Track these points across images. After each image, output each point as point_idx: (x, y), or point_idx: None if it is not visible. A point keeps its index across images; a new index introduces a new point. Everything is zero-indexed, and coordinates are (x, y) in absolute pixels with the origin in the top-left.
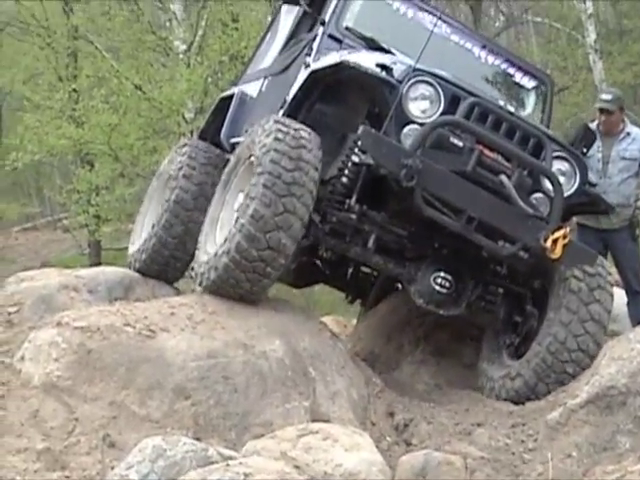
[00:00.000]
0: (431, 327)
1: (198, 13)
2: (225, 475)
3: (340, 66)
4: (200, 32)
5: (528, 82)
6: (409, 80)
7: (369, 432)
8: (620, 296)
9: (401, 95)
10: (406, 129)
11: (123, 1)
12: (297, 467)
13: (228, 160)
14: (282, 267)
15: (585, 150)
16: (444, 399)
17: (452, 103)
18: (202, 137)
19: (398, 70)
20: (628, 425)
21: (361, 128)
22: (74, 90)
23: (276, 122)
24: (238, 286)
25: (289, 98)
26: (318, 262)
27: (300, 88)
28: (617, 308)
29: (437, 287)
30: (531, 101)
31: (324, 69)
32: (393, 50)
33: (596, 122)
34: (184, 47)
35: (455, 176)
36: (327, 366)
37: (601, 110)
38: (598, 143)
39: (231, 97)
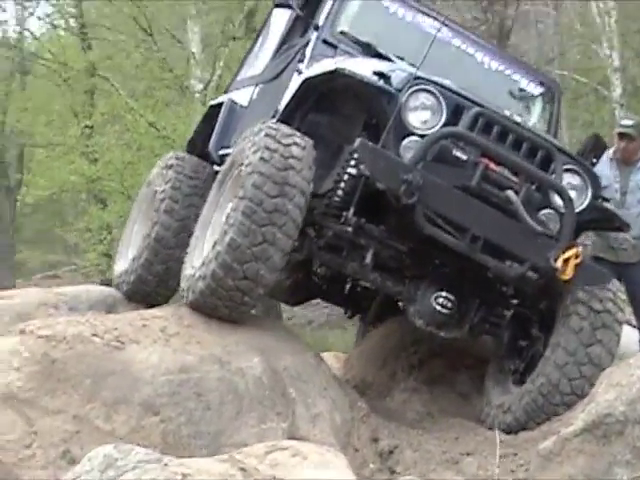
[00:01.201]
0: (426, 355)
1: (215, 53)
2: (161, 475)
3: (335, 74)
4: (218, 72)
5: (534, 88)
6: (409, 89)
7: (351, 457)
8: (629, 334)
9: (400, 105)
10: (406, 141)
11: (141, 40)
12: (243, 470)
13: (217, 173)
14: (261, 296)
15: (595, 160)
16: (434, 427)
17: (455, 113)
18: (190, 148)
19: (397, 78)
20: (626, 456)
21: (358, 140)
22: (88, 127)
23: (266, 135)
24: (216, 310)
25: (281, 107)
26: (314, 277)
27: (293, 97)
28: (625, 347)
29: (438, 307)
30: (537, 108)
31: (318, 77)
32: (391, 56)
33: (614, 149)
34: (201, 86)
35: (458, 192)
36: (309, 387)
37: (621, 135)
38: (615, 172)
39: (220, 105)
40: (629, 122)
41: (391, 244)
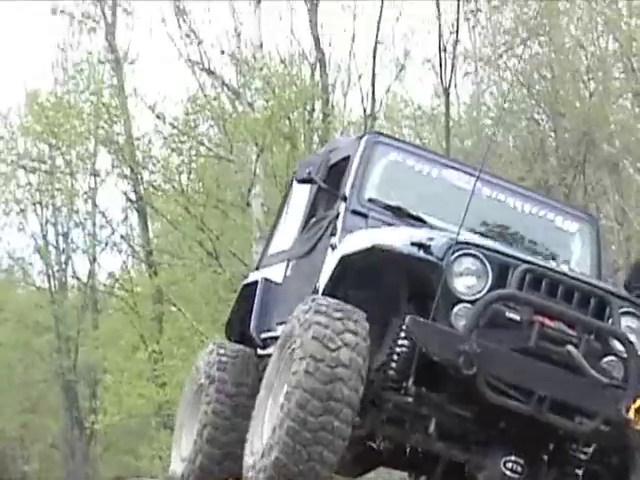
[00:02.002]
0: None
1: None
2: None
3: (373, 251)
4: None
5: (571, 225)
6: (451, 255)
7: None
8: None
9: (445, 273)
10: (455, 309)
11: (208, 265)
12: None
13: (261, 357)
14: None
15: None
16: None
17: (501, 274)
18: (229, 332)
19: (437, 246)
20: None
21: (408, 318)
22: (155, 352)
23: (314, 339)
24: None
25: (321, 285)
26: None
27: (332, 276)
28: None
29: (508, 472)
30: (577, 245)
31: (355, 254)
32: (423, 216)
33: None
34: None
35: (518, 355)
36: None
37: None
38: None
39: (254, 284)
40: None
41: (454, 411)
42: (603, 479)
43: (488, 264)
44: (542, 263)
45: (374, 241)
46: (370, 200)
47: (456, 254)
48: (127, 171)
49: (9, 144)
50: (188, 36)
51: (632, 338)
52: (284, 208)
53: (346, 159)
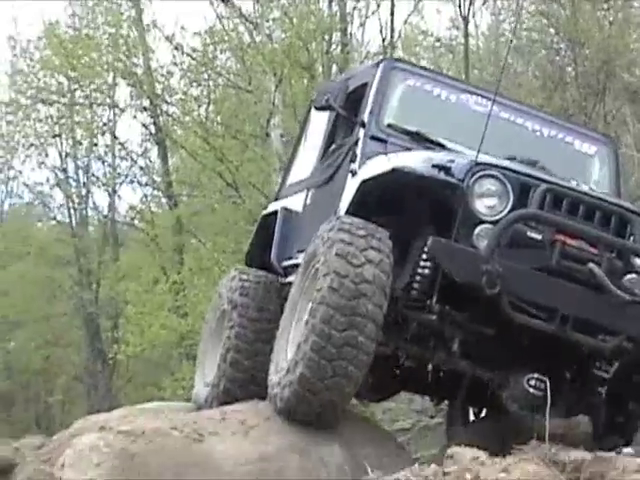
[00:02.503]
0: None
1: None
2: None
3: (394, 174)
4: None
5: (589, 148)
6: (472, 177)
7: None
8: None
9: (466, 195)
10: (477, 230)
11: (228, 197)
12: None
13: (282, 285)
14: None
15: None
16: None
17: (521, 193)
18: (250, 261)
19: (457, 168)
20: None
21: (430, 239)
22: (176, 282)
23: (338, 255)
24: (307, 414)
25: (342, 212)
26: (397, 371)
27: (352, 201)
28: None
29: (532, 390)
30: (596, 167)
31: (376, 178)
32: (442, 140)
33: None
34: None
35: (540, 274)
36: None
37: None
38: None
39: (274, 214)
40: None
41: (477, 330)
42: (626, 397)
43: (509, 184)
44: (563, 183)
45: (394, 164)
46: (389, 125)
47: (476, 175)
48: (146, 103)
49: (29, 77)
50: None
51: None
52: (302, 136)
53: (364, 85)
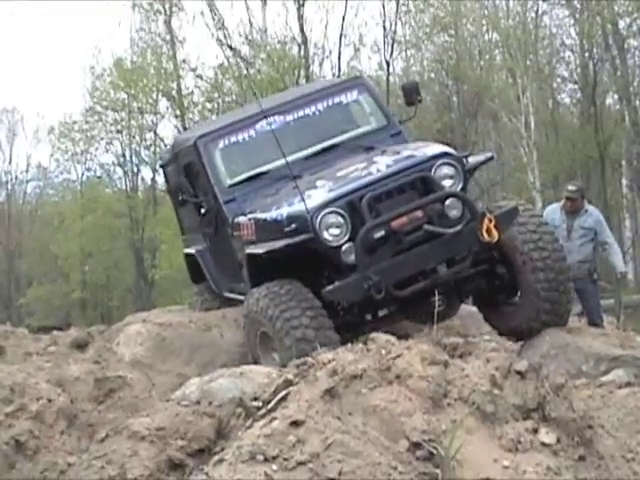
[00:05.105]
0: None
1: None
2: None
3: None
4: None
5: (350, 95)
6: (316, 221)
7: None
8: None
9: (317, 238)
10: (343, 248)
11: None
12: None
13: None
14: None
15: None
16: None
17: (352, 211)
18: (195, 282)
19: (302, 220)
20: None
21: (324, 292)
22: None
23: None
24: None
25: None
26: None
27: (250, 274)
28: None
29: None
30: (363, 107)
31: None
32: (265, 168)
33: (562, 204)
34: None
35: (399, 257)
36: None
37: (567, 198)
38: (564, 218)
39: (192, 254)
40: (573, 188)
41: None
42: (494, 268)
43: (344, 213)
44: (372, 178)
45: (261, 249)
46: (230, 186)
47: (319, 217)
48: (177, 112)
49: (103, 94)
50: (218, 24)
51: (449, 183)
52: (173, 193)
53: (191, 163)
